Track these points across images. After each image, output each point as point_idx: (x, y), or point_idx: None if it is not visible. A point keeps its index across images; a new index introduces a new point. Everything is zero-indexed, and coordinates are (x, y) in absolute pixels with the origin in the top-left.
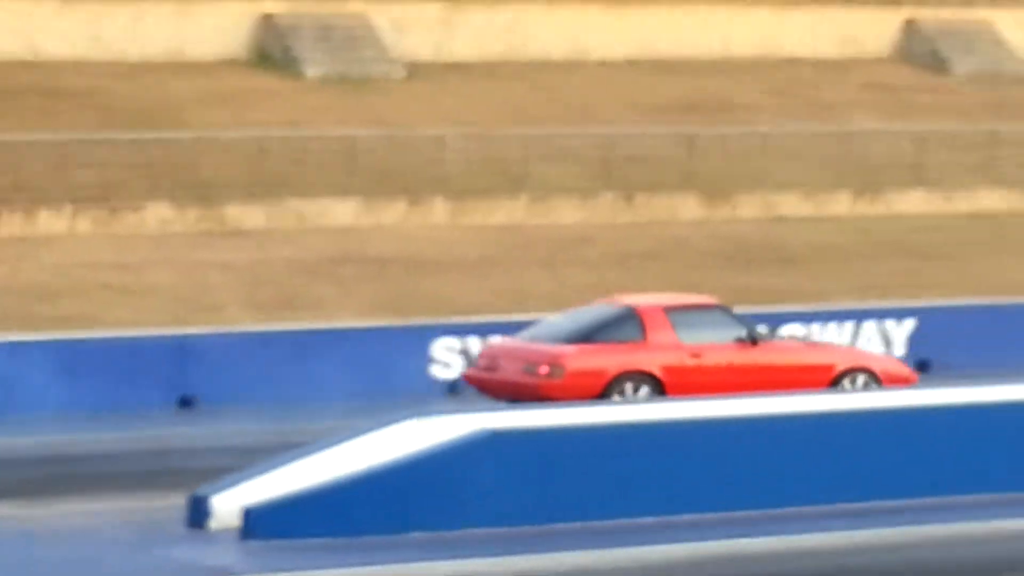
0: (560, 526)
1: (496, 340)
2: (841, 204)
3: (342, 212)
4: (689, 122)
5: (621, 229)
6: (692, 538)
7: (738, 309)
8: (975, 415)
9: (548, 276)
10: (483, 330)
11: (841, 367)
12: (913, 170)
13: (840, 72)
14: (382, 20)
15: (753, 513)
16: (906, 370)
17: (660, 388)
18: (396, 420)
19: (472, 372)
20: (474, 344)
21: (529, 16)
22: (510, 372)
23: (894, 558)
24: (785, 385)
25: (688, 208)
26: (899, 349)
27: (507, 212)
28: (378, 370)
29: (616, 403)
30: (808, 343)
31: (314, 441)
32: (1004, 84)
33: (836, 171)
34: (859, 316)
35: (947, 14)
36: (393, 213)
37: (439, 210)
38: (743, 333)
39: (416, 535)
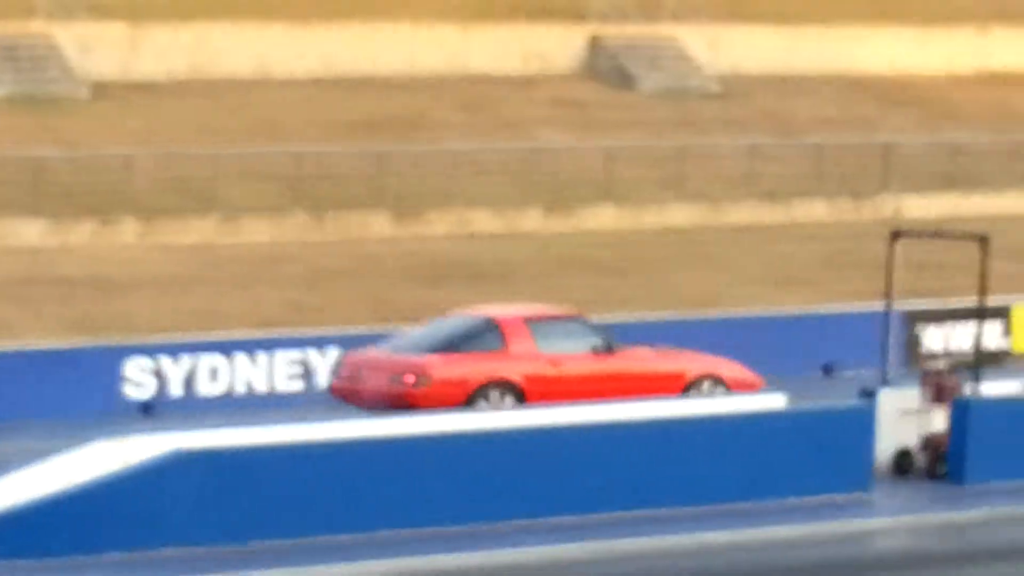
0: (256, 544)
1: (358, 351)
2: (532, 220)
3: (28, 233)
4: (378, 139)
5: (313, 247)
6: (390, 554)
7: None
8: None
9: (241, 295)
10: (175, 350)
11: (692, 374)
12: (602, 186)
13: (528, 89)
14: (67, 39)
15: (452, 529)
16: (752, 375)
17: (522, 396)
18: (88, 441)
19: (336, 383)
20: (167, 364)
21: (214, 34)
22: (376, 383)
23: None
24: (640, 392)
25: (379, 225)
26: None
27: (198, 231)
28: (69, 391)
29: (317, 423)
30: (661, 351)
31: (4, 463)
32: (690, 99)
33: (526, 187)
34: None
35: (632, 31)
36: (81, 233)
37: (128, 230)
38: (599, 342)
39: (111, 555)
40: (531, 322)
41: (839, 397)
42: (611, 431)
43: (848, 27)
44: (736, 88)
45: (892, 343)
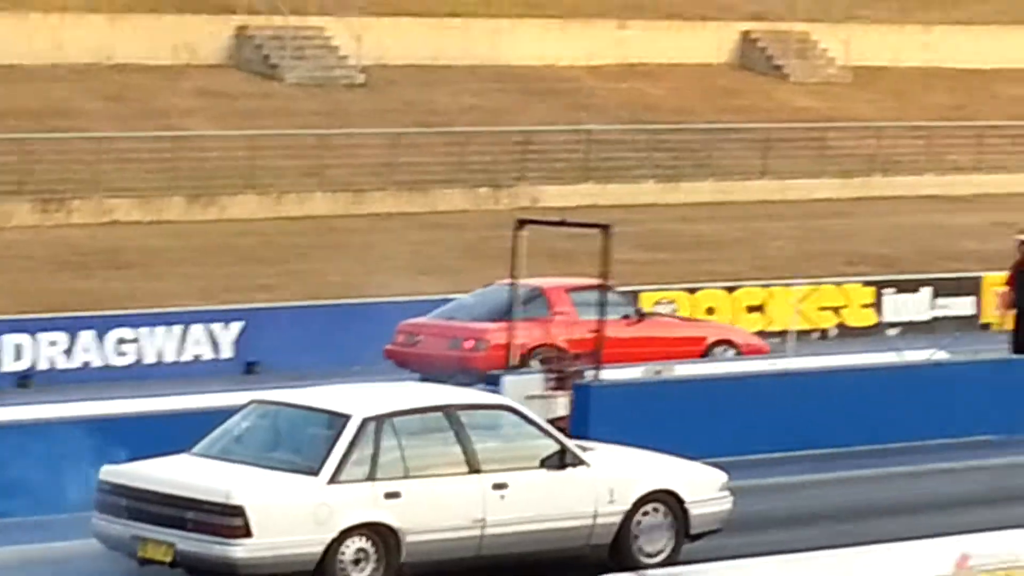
0: None
1: (412, 320)
2: (175, 209)
3: None
4: (21, 128)
5: None
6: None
7: (74, 314)
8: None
9: None
10: None
11: (711, 339)
12: (245, 175)
13: (175, 79)
14: None
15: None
16: (760, 341)
17: None
18: None
19: (393, 348)
20: None
21: None
22: (435, 347)
23: None
24: (668, 355)
25: (21, 214)
26: (227, 351)
27: None
28: None
29: None
30: (683, 319)
31: None
32: (335, 90)
33: (170, 176)
34: (187, 319)
35: (279, 21)
36: None
37: None
38: (630, 310)
39: None
40: (572, 292)
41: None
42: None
43: (492, 19)
44: (381, 79)
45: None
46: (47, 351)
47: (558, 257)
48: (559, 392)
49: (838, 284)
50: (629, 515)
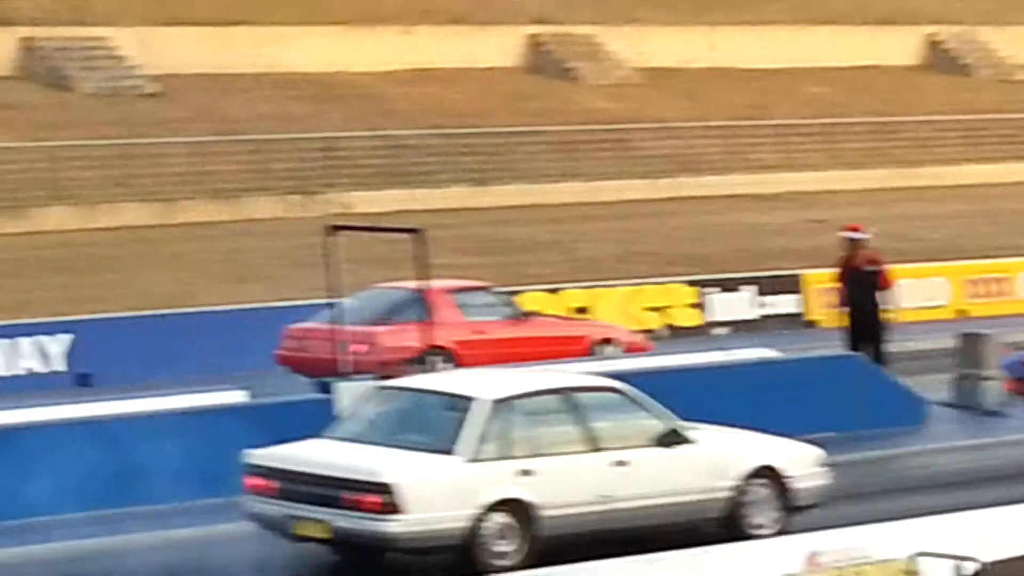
0: None
1: (297, 325)
2: None
3: None
4: None
5: None
6: None
7: None
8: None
9: None
10: None
11: (595, 337)
12: (50, 187)
13: None
14: None
15: None
16: (642, 339)
17: (454, 360)
18: None
19: (283, 353)
20: None
21: None
22: (324, 351)
23: None
24: (553, 354)
25: None
26: (58, 364)
27: None
28: None
29: None
30: (564, 318)
31: None
32: (128, 100)
33: None
34: (14, 333)
35: (65, 32)
36: None
37: None
38: (513, 311)
39: None
40: (454, 293)
41: (298, 391)
42: None
43: (277, 27)
44: (172, 88)
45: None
46: None
47: (375, 262)
48: None
49: (661, 284)
50: (737, 490)
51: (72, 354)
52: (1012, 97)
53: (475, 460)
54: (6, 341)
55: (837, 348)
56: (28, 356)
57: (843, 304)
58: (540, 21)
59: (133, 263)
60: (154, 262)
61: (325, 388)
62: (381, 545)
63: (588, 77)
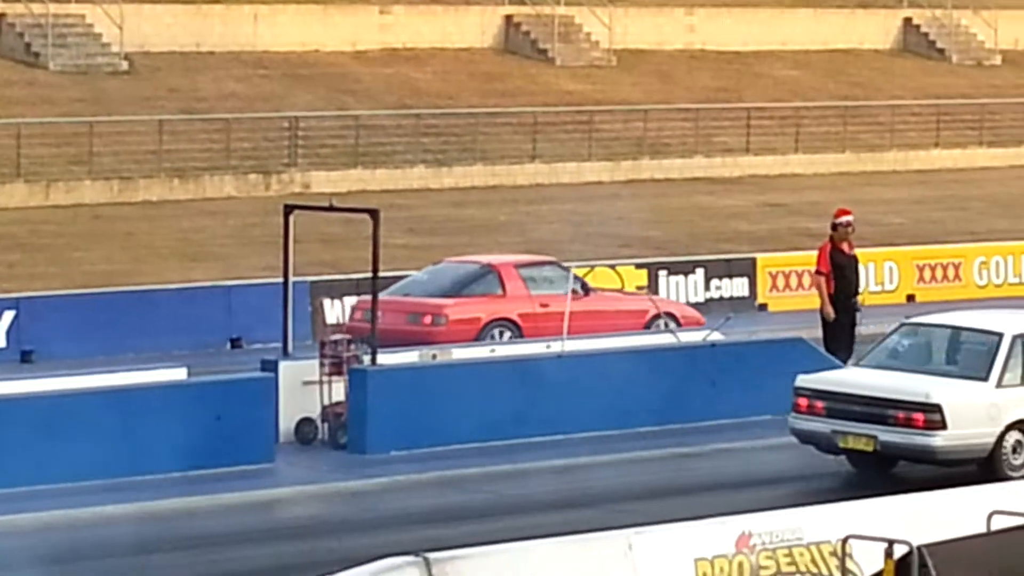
0: None
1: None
2: None
3: None
4: None
5: None
6: None
7: None
8: None
9: None
10: None
11: (652, 312)
12: (12, 164)
13: None
14: None
15: None
16: (696, 313)
17: (520, 332)
18: None
19: (352, 324)
20: None
21: None
22: (393, 322)
23: None
24: (614, 327)
25: None
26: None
27: None
28: None
29: None
30: (624, 292)
31: None
32: (99, 77)
33: None
34: None
35: (39, 8)
36: None
37: None
38: (577, 285)
39: None
40: (521, 268)
41: (244, 369)
42: None
43: (252, 5)
44: (144, 66)
45: (295, 315)
46: None
47: (331, 241)
48: (335, 377)
49: (612, 267)
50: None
51: (14, 330)
52: (984, 82)
53: (1001, 386)
54: None
55: (785, 330)
56: None
57: (832, 291)
58: (519, 2)
59: (86, 241)
60: (107, 240)
61: (271, 368)
62: (922, 457)
63: (561, 58)
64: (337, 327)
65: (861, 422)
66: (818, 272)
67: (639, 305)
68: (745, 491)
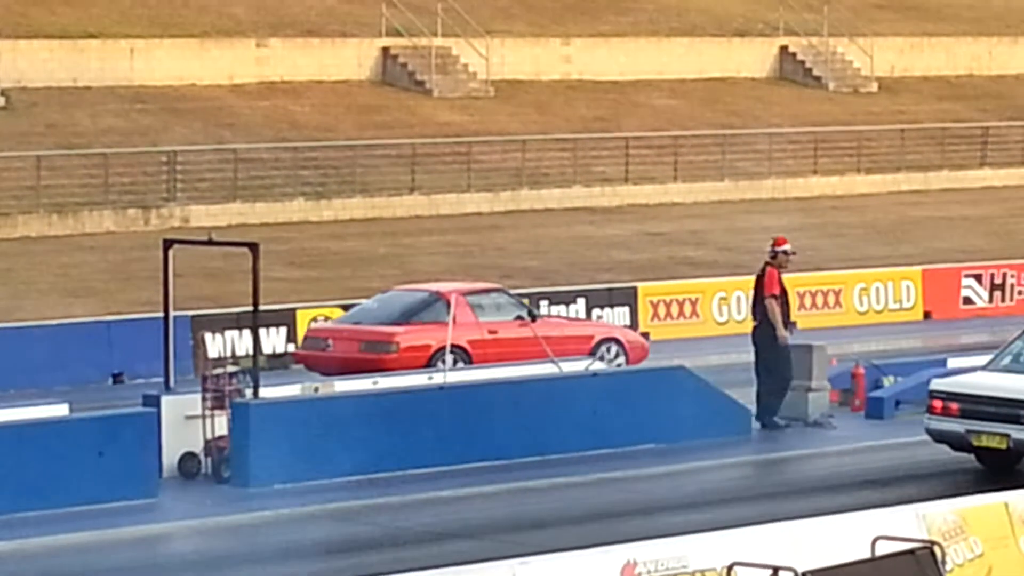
0: None
1: (317, 324)
2: None
3: None
4: None
5: None
6: None
7: None
8: None
9: None
10: None
11: (598, 337)
12: None
13: None
14: None
15: None
16: (642, 340)
17: (469, 359)
18: None
19: (302, 352)
20: None
21: None
22: (345, 350)
23: None
24: (558, 352)
25: None
26: None
27: None
28: None
29: None
30: (569, 319)
31: None
32: None
33: None
34: None
35: None
36: None
37: None
38: (523, 312)
39: None
40: (469, 296)
41: (127, 404)
42: None
43: (128, 40)
44: (21, 101)
45: (176, 350)
46: None
47: (211, 276)
48: (218, 411)
49: None
50: None
51: None
52: (861, 108)
53: None
54: None
55: (667, 359)
56: None
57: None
58: (396, 33)
59: None
60: None
61: (152, 403)
62: None
63: (439, 89)
64: (217, 361)
65: (995, 422)
66: (771, 296)
67: (585, 331)
68: (629, 520)
